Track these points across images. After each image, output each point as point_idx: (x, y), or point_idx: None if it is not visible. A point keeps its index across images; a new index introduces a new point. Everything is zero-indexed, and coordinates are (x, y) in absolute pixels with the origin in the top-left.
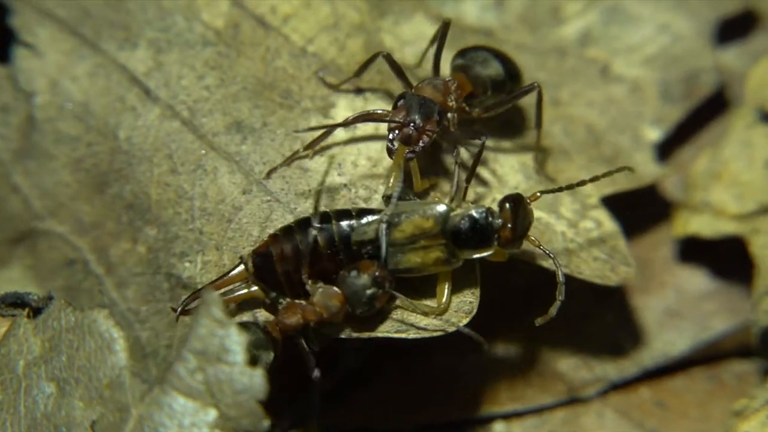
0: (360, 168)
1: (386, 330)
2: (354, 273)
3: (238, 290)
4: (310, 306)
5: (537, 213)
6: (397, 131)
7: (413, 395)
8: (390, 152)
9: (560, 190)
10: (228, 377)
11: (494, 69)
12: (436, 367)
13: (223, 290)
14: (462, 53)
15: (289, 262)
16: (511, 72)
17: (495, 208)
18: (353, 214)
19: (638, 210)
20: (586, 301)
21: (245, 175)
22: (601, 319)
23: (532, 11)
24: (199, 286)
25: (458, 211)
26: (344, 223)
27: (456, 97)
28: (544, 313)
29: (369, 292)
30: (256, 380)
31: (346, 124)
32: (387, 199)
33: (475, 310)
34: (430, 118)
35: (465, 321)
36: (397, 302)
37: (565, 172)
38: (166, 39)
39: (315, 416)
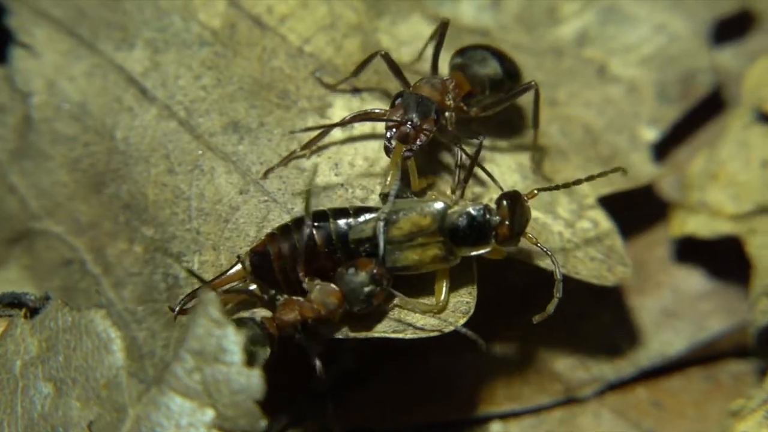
0: (357, 168)
1: (383, 330)
2: (352, 270)
3: (236, 289)
4: (307, 303)
5: (534, 213)
6: (394, 130)
7: (410, 395)
8: (387, 151)
9: (557, 188)
10: (225, 377)
11: (492, 68)
12: (433, 367)
13: (220, 289)
14: (460, 52)
15: (286, 260)
16: (510, 71)
17: (492, 205)
18: (350, 212)
19: (635, 210)
20: (583, 301)
21: (242, 175)
22: (598, 319)
23: (529, 11)
24: (197, 286)
25: (456, 208)
26: (341, 222)
27: (454, 96)
28: (542, 312)
29: (367, 289)
30: (253, 380)
31: (343, 123)
32: (384, 197)
33: (472, 310)
34: (428, 117)
35: (462, 321)
36: (395, 301)
37: (562, 172)
38: (163, 39)
39: (330, 405)
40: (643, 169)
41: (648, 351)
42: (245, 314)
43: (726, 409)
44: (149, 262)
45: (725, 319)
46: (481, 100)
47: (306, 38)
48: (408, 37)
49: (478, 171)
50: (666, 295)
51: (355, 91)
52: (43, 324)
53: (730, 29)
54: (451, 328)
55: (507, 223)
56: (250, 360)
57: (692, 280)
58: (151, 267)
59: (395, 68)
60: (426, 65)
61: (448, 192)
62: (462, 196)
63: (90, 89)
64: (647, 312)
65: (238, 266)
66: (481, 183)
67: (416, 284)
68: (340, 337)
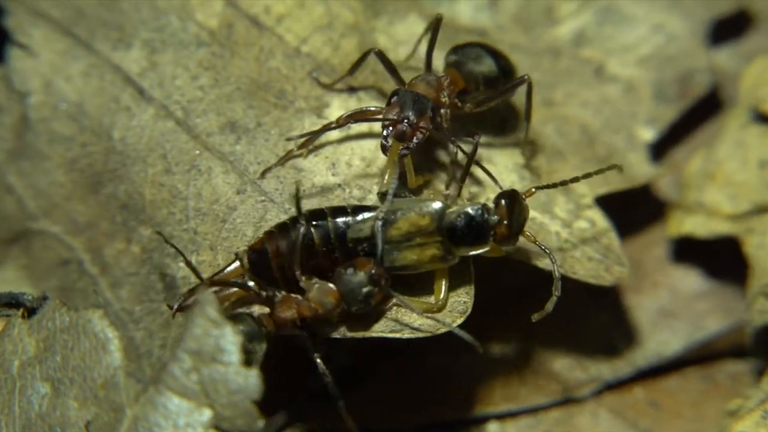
0: (354, 168)
1: (380, 330)
2: (350, 270)
3: (233, 283)
4: (305, 302)
5: (531, 213)
6: (391, 128)
7: (407, 395)
8: (384, 149)
9: (554, 186)
10: (223, 377)
11: (487, 66)
12: (431, 366)
13: (218, 287)
14: (455, 50)
15: (284, 258)
16: (504, 68)
17: (490, 204)
18: (349, 210)
19: (632, 210)
20: (580, 301)
21: (239, 175)
22: (595, 319)
23: (526, 11)
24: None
25: (454, 208)
26: (340, 220)
27: (449, 93)
28: (540, 311)
29: (365, 289)
30: (251, 380)
31: (339, 124)
32: (382, 196)
33: (469, 310)
34: (424, 115)
35: (459, 321)
36: (394, 300)
37: (559, 173)
38: (160, 39)
39: (337, 398)
40: (640, 168)
41: (645, 351)
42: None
43: (723, 409)
44: (146, 262)
45: (722, 319)
46: (475, 96)
47: (303, 38)
48: (405, 37)
49: (475, 170)
50: (663, 295)
51: (352, 90)
52: (40, 324)
53: (728, 29)
54: (446, 329)
55: (505, 222)
56: (247, 355)
57: (689, 279)
58: (148, 267)
59: (390, 66)
60: (421, 63)
61: (443, 188)
62: (459, 194)
63: (87, 89)
64: (644, 312)
65: (236, 263)
66: (478, 182)
67: (415, 283)
68: (338, 336)
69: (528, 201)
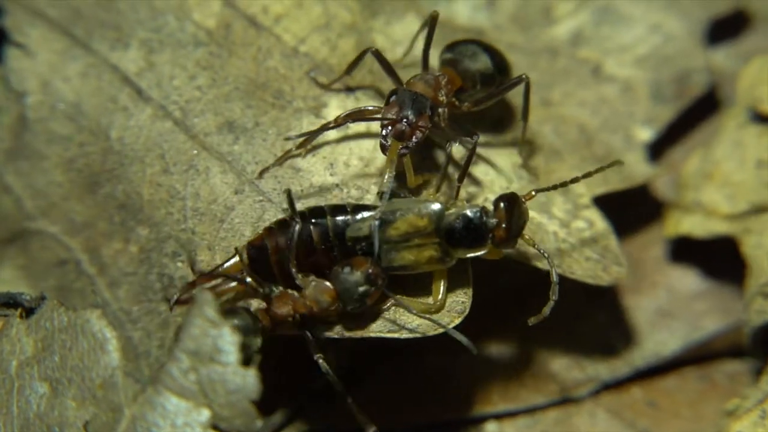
0: (352, 168)
1: (379, 330)
2: (347, 269)
3: (230, 276)
4: (301, 299)
5: (529, 213)
6: (390, 127)
7: (406, 395)
8: (383, 148)
9: (554, 188)
10: (221, 377)
11: (483, 63)
12: (429, 367)
13: (216, 281)
14: (450, 47)
15: (283, 254)
16: (500, 65)
17: (489, 207)
18: (348, 209)
19: (630, 210)
20: (578, 301)
21: (237, 175)
22: (593, 318)
23: (524, 11)
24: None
25: (453, 210)
26: (339, 219)
27: (446, 91)
28: (538, 313)
29: (361, 289)
30: (249, 380)
31: (338, 124)
32: (381, 195)
33: (467, 310)
34: (423, 114)
35: (457, 321)
36: (392, 301)
37: (556, 172)
38: (158, 39)
39: (343, 395)
40: (638, 168)
41: (643, 351)
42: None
43: (721, 409)
44: (144, 262)
45: (720, 319)
46: (472, 94)
47: (301, 38)
48: (403, 37)
49: (473, 170)
50: (661, 295)
51: (350, 90)
52: (38, 324)
53: (725, 29)
54: (441, 330)
55: (504, 225)
56: (243, 350)
57: (687, 279)
58: (146, 267)
59: (387, 65)
60: (418, 62)
61: (432, 190)
62: (457, 195)
63: (85, 89)
64: (642, 312)
65: (236, 258)
66: (476, 182)
67: (413, 284)
68: (336, 337)
69: (528, 203)
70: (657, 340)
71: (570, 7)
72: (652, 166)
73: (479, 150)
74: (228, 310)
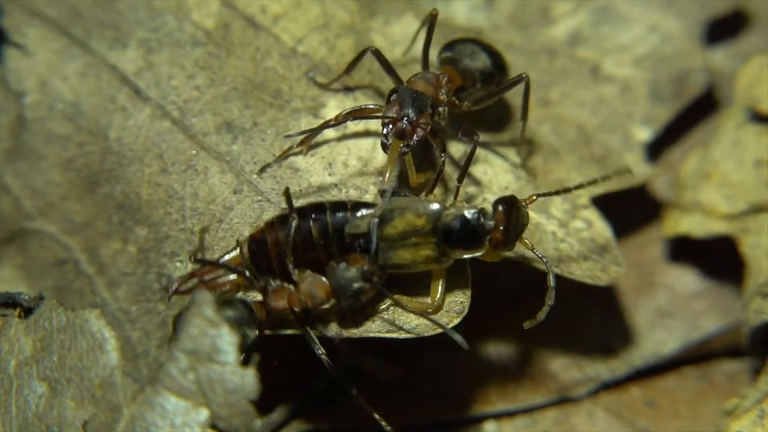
0: (350, 168)
1: (377, 330)
2: (342, 265)
3: (229, 267)
4: (296, 293)
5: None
6: (391, 126)
7: (404, 395)
8: (384, 147)
9: (557, 193)
10: (220, 377)
11: (482, 61)
12: (427, 366)
13: (215, 274)
14: (449, 46)
15: (283, 249)
16: (499, 64)
17: (489, 208)
18: (348, 206)
19: (628, 210)
20: (576, 301)
21: (236, 174)
22: (592, 318)
23: (522, 11)
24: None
25: (451, 210)
26: (339, 215)
27: (447, 90)
28: (536, 314)
29: (356, 285)
30: (247, 380)
31: (339, 122)
32: (382, 193)
33: (466, 311)
34: (424, 112)
35: (456, 321)
36: (389, 302)
37: (555, 172)
38: (157, 39)
39: (347, 386)
40: (636, 168)
41: (642, 350)
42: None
43: (720, 409)
44: (143, 262)
45: (719, 319)
46: (472, 93)
47: (299, 38)
48: (401, 37)
49: (472, 170)
50: (660, 295)
51: (348, 90)
52: (37, 324)
53: (723, 29)
54: (439, 330)
55: (501, 228)
56: (239, 341)
57: (686, 279)
58: (144, 267)
59: (386, 64)
60: (416, 65)
61: (444, 186)
62: (456, 196)
63: (83, 89)
64: (641, 311)
65: (236, 251)
66: (476, 182)
67: (412, 284)
68: (335, 336)
69: (529, 208)
70: (656, 340)
71: (568, 7)
72: (650, 166)
73: (479, 149)
74: (224, 301)
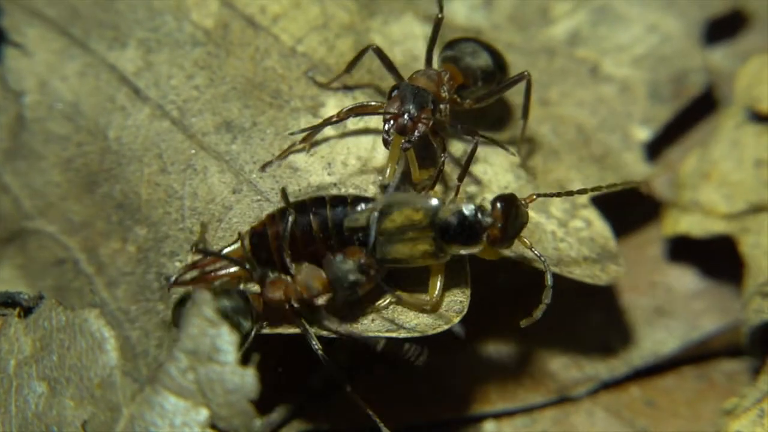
0: (350, 167)
1: (377, 329)
2: (339, 257)
3: (230, 258)
4: (292, 284)
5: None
6: (392, 122)
7: (403, 394)
8: (386, 143)
9: (558, 195)
10: (219, 376)
11: (483, 60)
12: (427, 366)
13: (215, 266)
14: (450, 45)
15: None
16: (500, 62)
17: (487, 206)
18: (348, 200)
19: (628, 210)
20: (575, 300)
21: (235, 174)
22: (591, 318)
23: (521, 11)
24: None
25: (450, 206)
26: (338, 209)
27: (448, 88)
28: (528, 317)
29: (352, 277)
30: (247, 379)
31: (340, 118)
32: (383, 189)
33: (465, 310)
34: (425, 107)
35: (456, 320)
36: (389, 297)
37: (554, 172)
38: (156, 39)
39: (342, 381)
40: (635, 168)
41: (641, 350)
42: None
43: (719, 408)
44: (142, 262)
45: (718, 318)
46: (473, 91)
47: (299, 38)
48: (400, 37)
49: (472, 169)
50: (659, 294)
51: (348, 90)
52: (36, 323)
53: (722, 29)
54: (445, 327)
55: (499, 225)
56: (233, 327)
57: (685, 279)
58: (144, 266)
59: (387, 62)
60: (415, 65)
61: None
62: (457, 192)
63: (83, 89)
64: (640, 311)
65: (237, 244)
66: (476, 181)
67: (412, 281)
68: (334, 336)
69: (529, 207)
70: (655, 340)
71: (567, 7)
72: (649, 166)
73: (479, 149)
74: (220, 291)
